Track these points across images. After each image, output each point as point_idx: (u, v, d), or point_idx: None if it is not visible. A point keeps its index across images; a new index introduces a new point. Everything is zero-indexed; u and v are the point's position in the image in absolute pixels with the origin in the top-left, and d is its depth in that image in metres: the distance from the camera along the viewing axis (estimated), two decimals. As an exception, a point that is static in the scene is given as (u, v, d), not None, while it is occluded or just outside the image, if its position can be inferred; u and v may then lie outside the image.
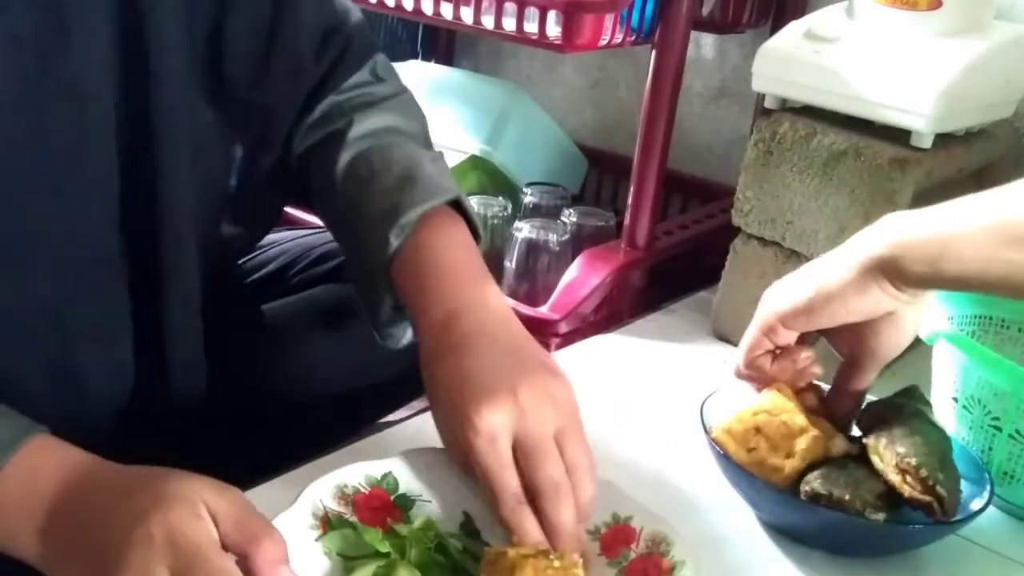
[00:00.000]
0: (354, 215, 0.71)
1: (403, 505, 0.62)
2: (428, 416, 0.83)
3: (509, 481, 0.57)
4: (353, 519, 0.60)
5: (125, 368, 0.67)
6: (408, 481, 0.63)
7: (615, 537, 0.64)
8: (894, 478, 0.68)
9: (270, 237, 0.93)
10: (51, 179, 0.59)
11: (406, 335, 0.71)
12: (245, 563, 0.50)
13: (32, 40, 0.56)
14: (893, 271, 0.64)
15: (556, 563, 0.56)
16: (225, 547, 0.50)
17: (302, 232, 0.97)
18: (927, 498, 0.66)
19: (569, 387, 0.62)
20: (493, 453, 0.57)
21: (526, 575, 0.55)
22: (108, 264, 0.64)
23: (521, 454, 0.58)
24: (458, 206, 0.71)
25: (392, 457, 0.64)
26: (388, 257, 0.67)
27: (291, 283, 0.91)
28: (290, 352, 0.79)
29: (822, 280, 0.67)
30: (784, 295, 0.70)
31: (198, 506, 0.50)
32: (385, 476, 0.62)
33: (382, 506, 0.61)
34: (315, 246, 0.93)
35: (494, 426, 0.57)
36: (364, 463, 0.63)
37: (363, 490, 0.61)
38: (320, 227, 0.96)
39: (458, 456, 0.62)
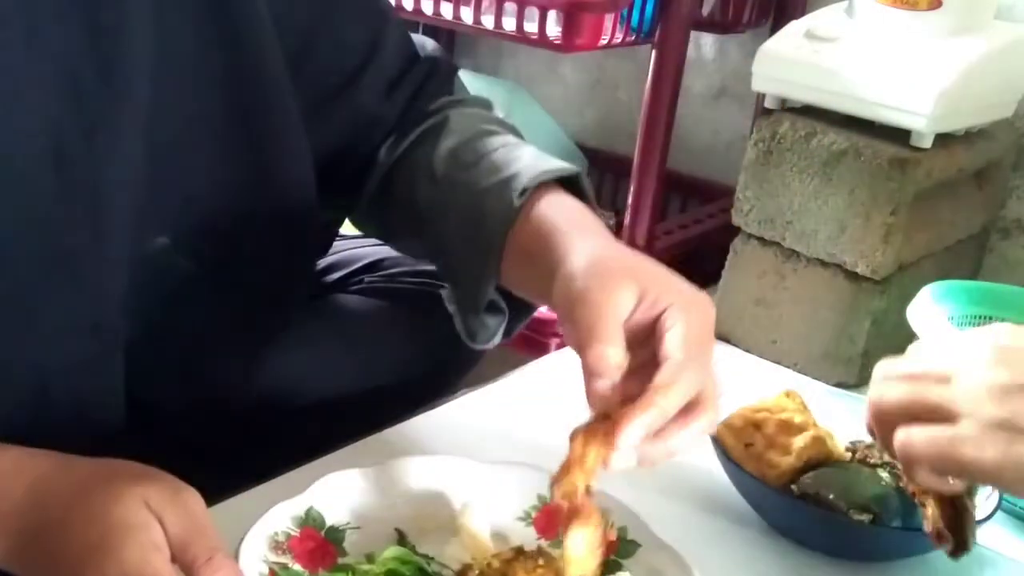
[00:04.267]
0: (461, 193, 0.68)
1: (335, 539, 0.61)
2: (425, 417, 0.84)
3: (616, 323, 0.53)
4: (296, 566, 0.58)
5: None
6: (331, 512, 0.61)
7: (548, 519, 0.64)
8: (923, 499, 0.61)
9: None
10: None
11: (497, 334, 0.68)
12: None
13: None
14: None
15: (541, 561, 0.56)
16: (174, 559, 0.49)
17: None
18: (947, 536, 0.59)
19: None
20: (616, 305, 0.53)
21: None
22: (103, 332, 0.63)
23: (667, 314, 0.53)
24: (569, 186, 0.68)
25: (308, 489, 0.62)
26: (511, 215, 0.63)
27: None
28: (295, 356, 0.79)
29: None
30: None
31: (151, 531, 0.48)
32: (308, 512, 0.60)
33: (316, 546, 0.60)
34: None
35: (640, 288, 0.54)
36: (284, 503, 0.60)
37: (294, 533, 0.59)
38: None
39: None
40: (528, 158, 0.67)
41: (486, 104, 0.80)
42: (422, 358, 0.86)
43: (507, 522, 0.64)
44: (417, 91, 0.77)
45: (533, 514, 0.65)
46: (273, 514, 0.59)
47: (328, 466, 0.72)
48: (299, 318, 0.82)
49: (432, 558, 0.60)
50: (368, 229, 0.85)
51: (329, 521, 0.61)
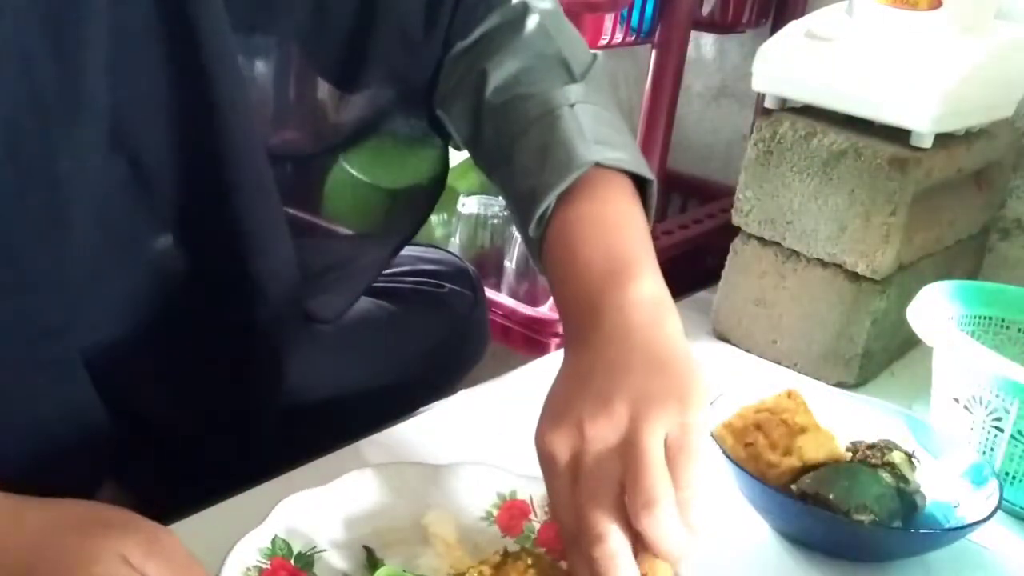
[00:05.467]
0: (504, 191, 0.69)
1: (305, 565, 0.59)
2: (424, 418, 0.84)
3: (563, 515, 0.51)
4: None
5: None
6: (297, 537, 0.60)
7: (510, 515, 0.64)
8: None
9: None
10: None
11: None
12: None
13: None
14: None
15: (529, 560, 0.56)
16: None
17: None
18: None
19: (688, 413, 0.50)
20: (548, 476, 0.52)
21: None
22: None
23: (576, 486, 0.50)
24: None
25: (268, 518, 0.60)
26: (534, 251, 0.64)
27: None
28: (294, 356, 0.79)
29: None
30: None
31: None
32: (274, 542, 0.58)
33: (289, 575, 0.58)
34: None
35: (551, 449, 0.51)
36: (248, 536, 0.58)
37: (264, 566, 0.57)
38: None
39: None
40: (557, 147, 0.63)
41: (528, 18, 0.73)
42: (422, 358, 0.86)
43: (470, 523, 0.63)
44: (452, 17, 0.72)
45: (495, 513, 0.64)
46: (241, 548, 0.57)
47: (327, 467, 0.72)
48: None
49: (407, 571, 0.59)
50: None
51: (295, 547, 0.59)
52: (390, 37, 0.70)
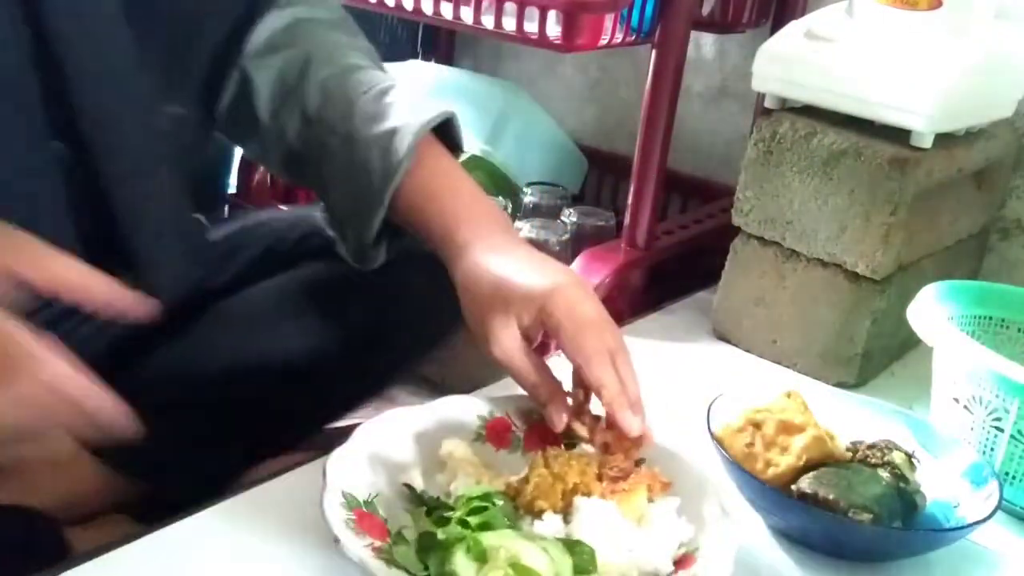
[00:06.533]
0: (339, 141, 0.73)
1: (373, 511, 0.61)
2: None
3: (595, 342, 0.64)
4: (379, 542, 0.58)
5: None
6: (354, 490, 0.62)
7: (496, 431, 0.70)
8: None
9: (256, 216, 0.93)
10: None
11: (381, 256, 0.75)
12: None
13: None
14: None
15: (563, 456, 0.62)
16: None
17: (283, 212, 0.97)
18: None
19: None
20: (590, 320, 0.64)
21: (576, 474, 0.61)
22: None
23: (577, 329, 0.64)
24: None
25: (327, 478, 0.61)
26: (399, 172, 0.70)
27: (276, 261, 0.89)
28: (264, 335, 0.79)
29: None
30: None
31: None
32: (346, 495, 0.61)
33: (372, 521, 0.60)
34: (299, 222, 0.90)
35: (595, 303, 0.66)
36: (324, 495, 0.60)
37: (352, 518, 0.59)
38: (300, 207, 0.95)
39: (500, 339, 0.65)
40: (400, 105, 0.73)
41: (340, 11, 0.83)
42: (407, 311, 0.83)
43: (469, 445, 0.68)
44: None
45: (483, 433, 0.70)
46: (327, 508, 0.59)
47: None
48: (268, 294, 0.82)
49: (436, 497, 0.63)
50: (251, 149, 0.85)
51: (360, 497, 0.62)
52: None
